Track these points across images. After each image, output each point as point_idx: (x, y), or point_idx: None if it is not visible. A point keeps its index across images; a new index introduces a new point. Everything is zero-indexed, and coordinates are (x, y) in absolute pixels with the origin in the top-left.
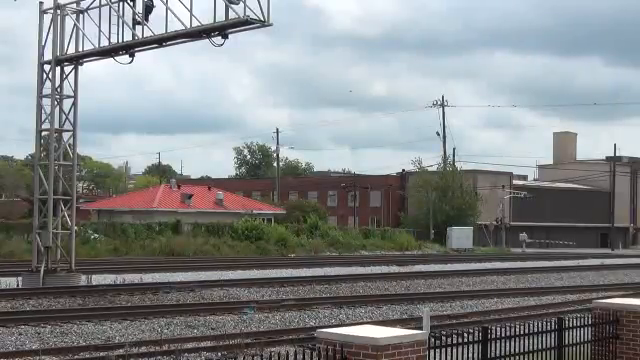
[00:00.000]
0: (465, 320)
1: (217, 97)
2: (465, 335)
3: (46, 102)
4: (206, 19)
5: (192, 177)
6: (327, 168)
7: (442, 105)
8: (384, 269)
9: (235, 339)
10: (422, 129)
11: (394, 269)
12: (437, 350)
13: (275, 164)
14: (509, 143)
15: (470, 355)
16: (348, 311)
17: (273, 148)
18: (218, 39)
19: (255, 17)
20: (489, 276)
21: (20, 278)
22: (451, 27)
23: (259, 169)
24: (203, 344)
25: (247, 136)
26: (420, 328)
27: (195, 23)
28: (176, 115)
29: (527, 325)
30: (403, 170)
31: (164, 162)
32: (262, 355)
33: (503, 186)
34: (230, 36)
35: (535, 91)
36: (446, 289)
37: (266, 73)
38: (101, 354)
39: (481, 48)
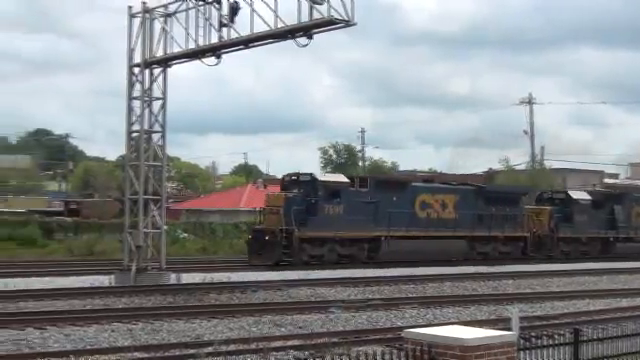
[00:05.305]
0: (555, 321)
1: (298, 97)
2: (555, 337)
3: (135, 104)
4: (289, 20)
5: (278, 177)
6: (412, 167)
7: (529, 102)
8: (471, 269)
9: (322, 338)
10: (507, 127)
11: (482, 269)
12: (527, 352)
13: (360, 163)
14: (596, 141)
15: (561, 357)
16: (435, 311)
17: (357, 147)
18: (303, 39)
19: (339, 17)
20: (580, 277)
21: (112, 276)
22: (533, 23)
23: (344, 169)
24: (290, 343)
25: (330, 136)
26: (509, 329)
27: (280, 24)
28: (259, 115)
29: (620, 327)
30: (490, 169)
31: (250, 162)
32: (349, 355)
33: (594, 185)
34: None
35: (622, 87)
36: (535, 289)
37: (346, 72)
38: (191, 351)
39: (566, 44)
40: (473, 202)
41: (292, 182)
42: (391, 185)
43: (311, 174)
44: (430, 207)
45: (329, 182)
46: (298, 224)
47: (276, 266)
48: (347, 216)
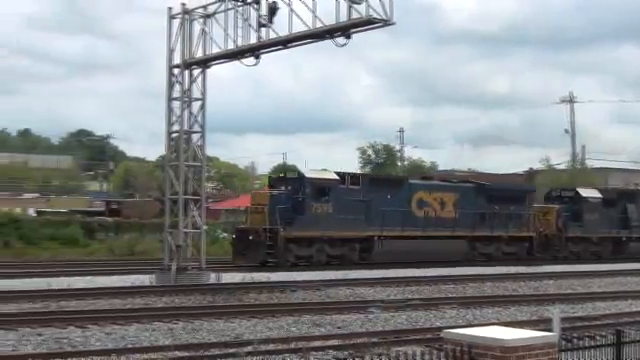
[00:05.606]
0: (597, 322)
1: (337, 96)
2: (597, 338)
3: (175, 104)
4: (327, 19)
5: None
6: (452, 167)
7: (570, 101)
8: (512, 269)
9: (361, 338)
10: (546, 126)
11: (522, 269)
12: (568, 353)
13: (399, 163)
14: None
15: (603, 358)
16: (475, 311)
17: (396, 147)
18: (341, 39)
19: (378, 16)
20: (622, 277)
21: (153, 276)
22: (575, 22)
23: (383, 168)
24: (330, 342)
25: (369, 135)
26: (550, 330)
27: (318, 24)
28: (297, 115)
29: None
30: (530, 168)
31: (289, 162)
32: (389, 355)
33: (637, 184)
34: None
35: None
36: (577, 290)
37: (384, 71)
38: (231, 350)
39: (607, 43)
40: (474, 200)
41: (279, 180)
42: (385, 183)
43: (298, 171)
44: (428, 205)
45: (317, 179)
46: (283, 223)
47: (262, 267)
48: (337, 215)
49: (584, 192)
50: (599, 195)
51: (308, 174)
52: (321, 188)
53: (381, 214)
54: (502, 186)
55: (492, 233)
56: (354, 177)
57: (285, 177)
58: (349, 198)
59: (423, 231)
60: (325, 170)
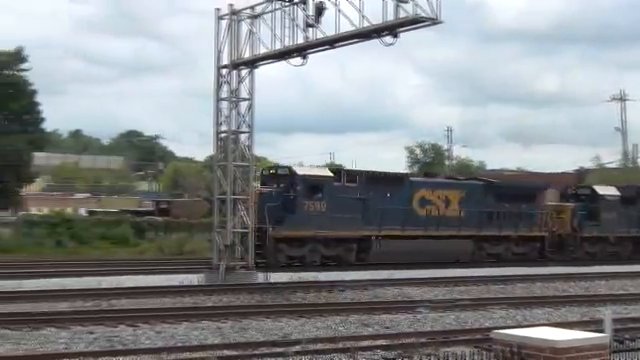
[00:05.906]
0: None
1: (384, 95)
2: None
3: (223, 105)
4: (374, 19)
5: None
6: (500, 166)
7: (621, 99)
8: (562, 269)
9: (410, 338)
10: (596, 125)
11: (572, 270)
12: (620, 354)
13: (447, 162)
14: None
15: None
16: (525, 312)
17: (444, 146)
18: (388, 38)
19: (425, 15)
20: None
21: (202, 275)
22: (625, 20)
23: (431, 168)
24: (378, 342)
25: (417, 134)
26: (601, 331)
27: (365, 23)
28: (345, 114)
29: None
30: (581, 167)
31: (337, 162)
32: (438, 355)
33: None
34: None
35: None
36: (629, 291)
37: (431, 70)
38: (279, 350)
39: None
40: (481, 199)
41: (270, 177)
42: (384, 180)
43: (289, 167)
44: (430, 204)
45: (309, 176)
46: (273, 222)
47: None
48: (331, 213)
49: (601, 190)
50: (617, 193)
51: (300, 171)
52: (314, 185)
53: (379, 213)
54: (512, 184)
55: (500, 233)
56: (350, 174)
57: (276, 174)
58: (345, 196)
59: (425, 230)
60: (320, 167)
